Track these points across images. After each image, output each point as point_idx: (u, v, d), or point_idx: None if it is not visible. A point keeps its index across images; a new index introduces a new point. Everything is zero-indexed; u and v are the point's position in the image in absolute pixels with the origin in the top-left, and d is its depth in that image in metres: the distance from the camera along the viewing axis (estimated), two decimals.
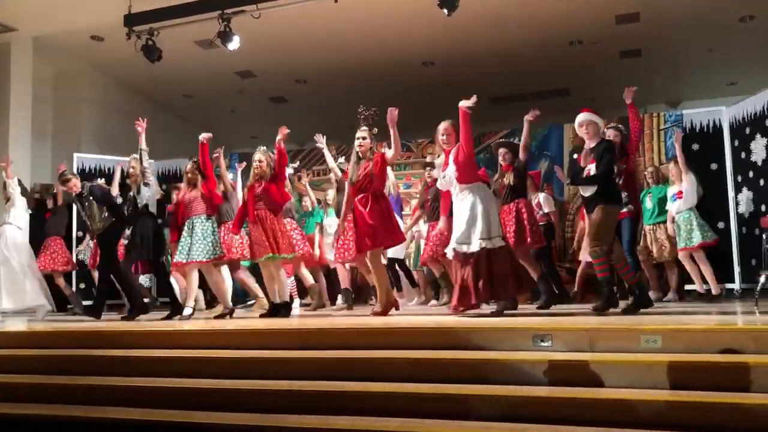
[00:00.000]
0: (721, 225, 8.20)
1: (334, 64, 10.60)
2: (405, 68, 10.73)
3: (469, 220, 5.04)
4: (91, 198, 6.74)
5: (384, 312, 5.56)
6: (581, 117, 5.20)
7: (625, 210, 5.82)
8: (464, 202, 5.13)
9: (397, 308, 5.78)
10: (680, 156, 7.16)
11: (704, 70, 11.06)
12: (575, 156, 5.32)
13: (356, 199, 5.66)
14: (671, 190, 7.22)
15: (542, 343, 3.66)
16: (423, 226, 7.64)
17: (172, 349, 4.48)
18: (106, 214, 6.68)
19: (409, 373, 3.62)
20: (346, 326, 4.55)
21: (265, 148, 6.29)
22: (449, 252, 5.23)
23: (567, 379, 3.36)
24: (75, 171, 10.00)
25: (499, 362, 3.58)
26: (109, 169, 10.01)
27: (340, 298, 7.65)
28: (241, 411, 3.57)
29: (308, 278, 7.35)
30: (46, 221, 8.36)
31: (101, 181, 8.00)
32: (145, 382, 4.08)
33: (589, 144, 5.15)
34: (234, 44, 8.02)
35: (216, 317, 6.35)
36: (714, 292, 6.95)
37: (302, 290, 7.93)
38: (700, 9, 8.96)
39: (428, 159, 7.68)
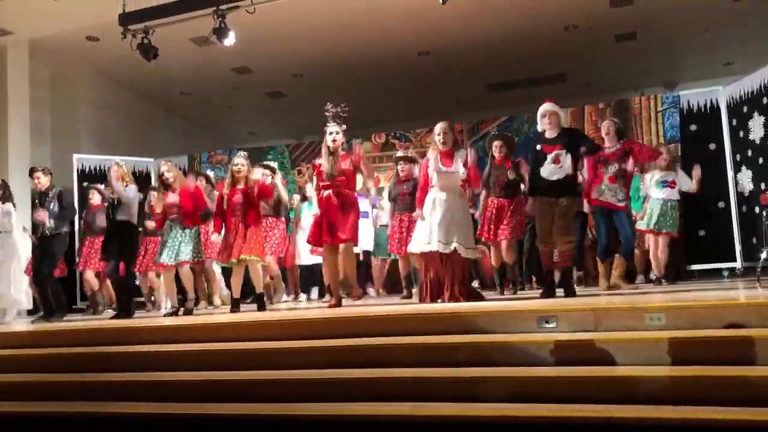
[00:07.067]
0: (721, 204, 8.24)
1: (330, 57, 10.60)
2: (401, 59, 10.74)
3: (465, 225, 5.37)
4: (56, 199, 6.72)
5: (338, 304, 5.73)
6: (544, 107, 5.36)
7: (623, 204, 5.92)
8: (451, 204, 5.35)
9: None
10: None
11: (700, 51, 11.06)
12: (538, 147, 5.36)
13: (328, 193, 5.72)
14: (658, 176, 6.90)
15: (547, 325, 3.69)
16: (385, 217, 7.72)
17: (178, 344, 4.50)
18: (59, 221, 6.67)
19: (417, 359, 3.66)
20: (353, 315, 4.58)
21: (245, 153, 6.37)
22: (426, 248, 5.36)
23: (573, 359, 3.39)
24: (75, 172, 10.09)
25: (505, 344, 3.61)
26: (109, 169, 10.04)
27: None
28: (251, 401, 3.59)
29: (275, 269, 7.49)
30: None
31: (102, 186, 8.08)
32: (153, 376, 4.11)
33: (551, 134, 5.29)
34: (230, 40, 8.00)
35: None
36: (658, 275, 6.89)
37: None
38: None
39: (399, 153, 7.74)
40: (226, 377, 3.89)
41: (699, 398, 2.86)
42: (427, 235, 5.33)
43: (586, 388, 3.12)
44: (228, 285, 7.08)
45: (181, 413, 3.62)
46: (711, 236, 7.48)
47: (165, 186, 6.33)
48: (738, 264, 8.17)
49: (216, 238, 6.37)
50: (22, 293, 7.08)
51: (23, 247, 7.16)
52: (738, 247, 8.18)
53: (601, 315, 3.65)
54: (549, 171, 5.18)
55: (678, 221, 6.85)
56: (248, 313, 5.79)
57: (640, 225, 6.87)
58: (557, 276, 5.77)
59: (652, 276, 7.01)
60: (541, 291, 5.45)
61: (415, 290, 6.93)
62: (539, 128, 5.42)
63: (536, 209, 5.37)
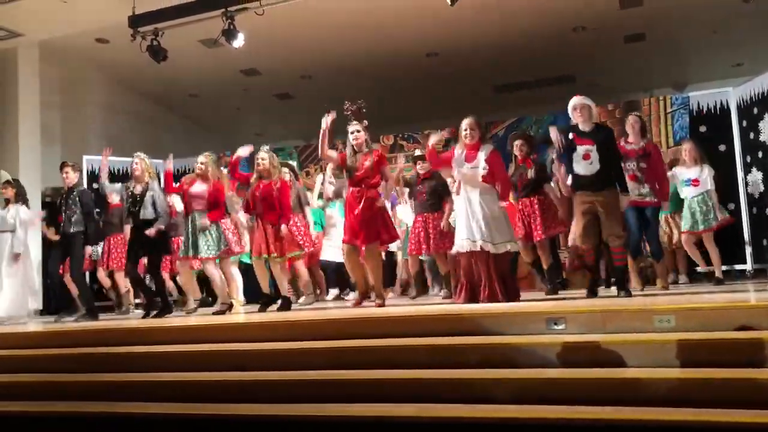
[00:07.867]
0: (731, 206, 8.18)
1: (338, 59, 10.61)
2: (409, 60, 10.72)
3: (493, 221, 5.23)
4: (77, 199, 6.69)
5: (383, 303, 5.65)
6: (575, 100, 5.28)
7: (649, 199, 5.83)
8: (477, 200, 5.28)
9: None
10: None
11: (709, 52, 10.98)
12: (570, 136, 5.26)
13: (351, 191, 5.72)
14: (684, 174, 6.83)
15: (555, 326, 3.67)
16: (407, 216, 7.59)
17: (185, 344, 4.51)
18: (80, 219, 6.63)
19: (423, 360, 3.64)
20: (359, 316, 4.58)
21: (268, 147, 6.36)
22: (466, 246, 5.29)
23: (580, 361, 3.37)
24: (84, 173, 10.11)
25: (513, 346, 3.59)
26: (118, 170, 10.13)
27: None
28: (257, 402, 3.60)
29: (304, 274, 7.41)
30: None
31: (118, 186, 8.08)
32: (162, 377, 4.12)
33: (585, 127, 5.21)
34: (239, 42, 8.02)
35: (215, 313, 6.24)
36: (717, 275, 6.78)
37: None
38: None
39: (417, 152, 7.70)
40: (233, 378, 3.90)
41: (709, 401, 2.84)
42: (458, 235, 5.34)
43: (595, 390, 3.10)
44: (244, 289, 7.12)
45: (190, 413, 3.63)
46: (721, 238, 7.40)
47: (197, 175, 6.37)
48: (748, 266, 8.12)
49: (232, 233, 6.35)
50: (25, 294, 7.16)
51: (32, 246, 7.22)
52: (748, 249, 8.12)
53: (610, 317, 3.64)
54: (581, 167, 5.15)
55: (714, 211, 6.72)
56: (256, 314, 5.79)
57: (684, 227, 6.83)
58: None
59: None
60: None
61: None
62: (572, 122, 5.35)
63: (574, 206, 5.31)
